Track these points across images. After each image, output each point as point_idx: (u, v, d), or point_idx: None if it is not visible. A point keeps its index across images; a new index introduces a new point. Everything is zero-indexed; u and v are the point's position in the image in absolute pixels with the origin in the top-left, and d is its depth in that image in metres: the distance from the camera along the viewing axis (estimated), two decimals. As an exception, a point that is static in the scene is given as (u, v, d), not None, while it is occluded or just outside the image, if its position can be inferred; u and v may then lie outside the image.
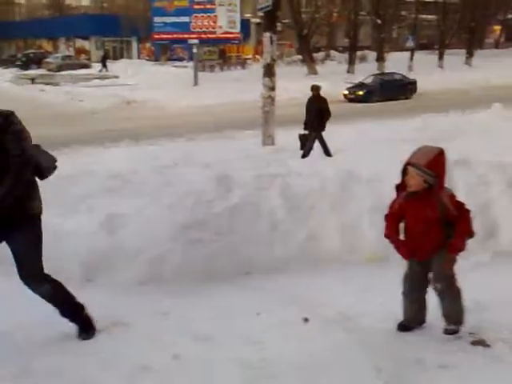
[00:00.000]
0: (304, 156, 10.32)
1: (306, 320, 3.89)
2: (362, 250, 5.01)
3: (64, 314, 3.57)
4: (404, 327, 3.72)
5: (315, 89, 11.04)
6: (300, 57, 39.00)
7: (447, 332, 3.63)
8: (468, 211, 3.56)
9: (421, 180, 3.42)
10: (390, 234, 3.65)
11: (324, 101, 10.88)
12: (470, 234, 3.56)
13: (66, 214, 5.20)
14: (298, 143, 10.78)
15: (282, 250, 5.03)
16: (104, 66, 35.83)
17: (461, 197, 3.70)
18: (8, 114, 3.31)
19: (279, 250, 5.03)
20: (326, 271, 4.80)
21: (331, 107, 10.97)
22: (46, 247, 4.36)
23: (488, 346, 3.48)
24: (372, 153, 7.47)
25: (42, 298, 3.46)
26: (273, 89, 11.70)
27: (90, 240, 4.80)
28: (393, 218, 3.64)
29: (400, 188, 3.61)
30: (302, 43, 35.60)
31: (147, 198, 5.39)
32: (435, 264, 3.57)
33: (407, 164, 3.46)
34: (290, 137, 11.33)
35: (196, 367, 3.27)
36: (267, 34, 11.53)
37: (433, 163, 3.40)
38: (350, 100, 22.90)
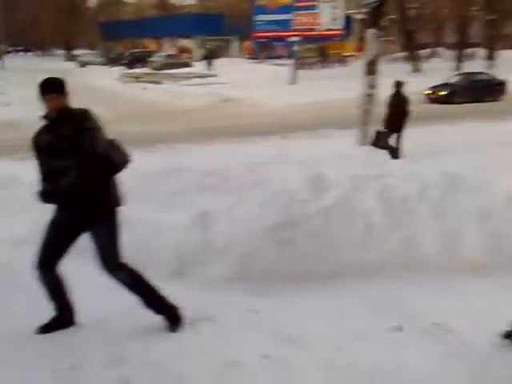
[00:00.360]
0: (394, 158, 9.98)
1: (399, 329, 3.74)
2: (464, 258, 4.74)
3: (148, 304, 3.69)
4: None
5: (398, 85, 10.60)
6: (403, 54, 37.95)
7: None
8: None
9: None
10: None
11: (404, 99, 10.42)
12: None
13: (161, 209, 5.35)
14: (399, 144, 10.45)
15: (377, 254, 4.88)
16: (209, 64, 36.58)
17: None
18: (83, 111, 3.57)
19: (373, 254, 4.89)
20: (422, 278, 4.60)
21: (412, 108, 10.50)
22: (139, 241, 4.52)
23: None
24: (476, 156, 7.09)
25: (124, 285, 3.63)
26: (373, 87, 11.42)
27: (182, 235, 4.90)
28: None
29: None
30: (407, 39, 34.62)
31: (240, 196, 5.43)
32: None
33: None
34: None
35: (283, 368, 3.25)
36: (371, 31, 11.25)
37: None
38: (433, 100, 21.45)
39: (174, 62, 39.00)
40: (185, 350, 3.41)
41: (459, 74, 23.98)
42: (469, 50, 37.46)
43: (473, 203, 5.07)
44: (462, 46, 35.07)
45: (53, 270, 3.66)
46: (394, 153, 10.19)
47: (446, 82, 22.75)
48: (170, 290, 3.88)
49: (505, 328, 3.57)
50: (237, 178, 6.10)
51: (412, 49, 34.15)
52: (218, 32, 45.33)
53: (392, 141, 10.38)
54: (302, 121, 16.51)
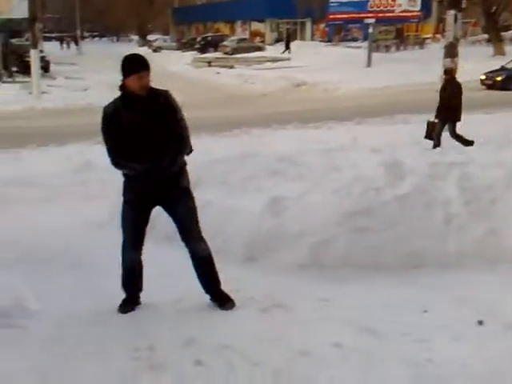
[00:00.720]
0: (435, 146, 9.44)
1: (480, 323, 3.61)
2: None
3: (212, 281, 3.80)
4: None
5: (449, 72, 10.02)
6: (486, 36, 36.38)
7: None
8: None
9: None
10: None
11: (457, 86, 9.79)
12: None
13: (233, 194, 5.39)
14: (478, 129, 10.02)
15: (456, 244, 4.71)
16: (287, 47, 36.31)
17: None
18: (167, 91, 3.69)
19: (452, 244, 4.72)
20: (506, 271, 4.41)
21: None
22: (212, 225, 4.57)
23: None
24: None
25: (202, 258, 3.77)
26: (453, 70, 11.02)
27: (254, 221, 4.92)
28: None
29: None
30: (490, 21, 33.11)
31: (313, 182, 5.39)
32: None
33: None
34: (467, 123, 10.59)
35: (357, 358, 3.21)
36: (451, 12, 10.92)
37: None
38: (489, 86, 19.89)
39: (246, 46, 39.11)
40: (257, 336, 3.44)
41: None
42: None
43: None
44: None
45: (138, 250, 3.78)
46: (462, 140, 9.69)
47: (503, 66, 21.19)
48: (242, 276, 3.92)
49: None
50: (310, 164, 6.04)
51: (495, 31, 32.65)
52: (291, 15, 44.99)
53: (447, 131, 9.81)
54: (377, 105, 16.18)
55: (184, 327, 3.58)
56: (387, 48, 35.56)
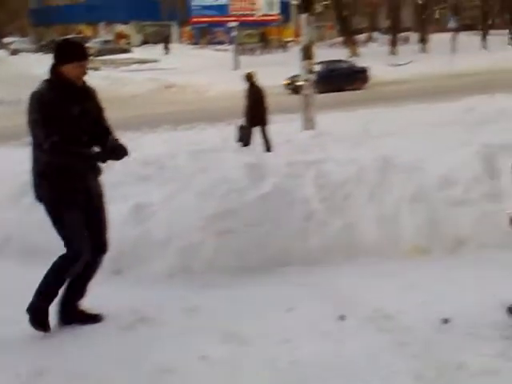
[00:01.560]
0: (267, 150, 9.62)
1: (342, 318, 3.66)
2: (403, 243, 4.72)
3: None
4: None
5: (249, 77, 10.13)
6: (341, 39, 38.25)
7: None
8: None
9: None
10: None
11: (259, 91, 10.01)
12: None
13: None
14: (341, 127, 10.43)
15: (318, 241, 4.78)
16: (166, 48, 35.46)
17: None
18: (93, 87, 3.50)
19: (315, 241, 4.79)
20: (364, 264, 4.53)
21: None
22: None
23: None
24: (411, 139, 7.13)
25: (96, 269, 3.58)
26: (311, 71, 11.39)
27: (119, 231, 4.65)
28: None
29: None
30: (343, 25, 34.84)
31: (180, 185, 5.23)
32: None
33: None
34: (332, 120, 10.99)
35: (223, 369, 3.08)
36: (304, 16, 11.22)
37: None
38: (293, 90, 19.22)
39: (111, 48, 37.93)
40: (118, 359, 3.15)
41: (320, 63, 20.61)
42: (402, 34, 38.13)
43: (407, 185, 5.05)
44: (395, 30, 35.60)
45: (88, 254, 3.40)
46: (267, 145, 9.83)
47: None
48: (106, 291, 3.67)
49: (447, 311, 3.55)
50: (179, 167, 5.89)
51: (348, 34, 34.40)
52: (155, 17, 44.32)
53: (258, 135, 9.95)
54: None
55: (34, 355, 3.23)
56: (252, 51, 36.20)
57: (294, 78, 19.71)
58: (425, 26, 35.46)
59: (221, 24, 32.19)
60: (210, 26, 36.98)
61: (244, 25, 31.46)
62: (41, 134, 3.19)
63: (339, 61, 24.10)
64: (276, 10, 31.32)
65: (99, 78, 24.28)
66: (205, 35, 42.91)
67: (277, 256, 4.66)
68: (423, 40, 34.66)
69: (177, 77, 23.45)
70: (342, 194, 5.01)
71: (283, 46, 39.80)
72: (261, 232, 4.72)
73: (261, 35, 39.87)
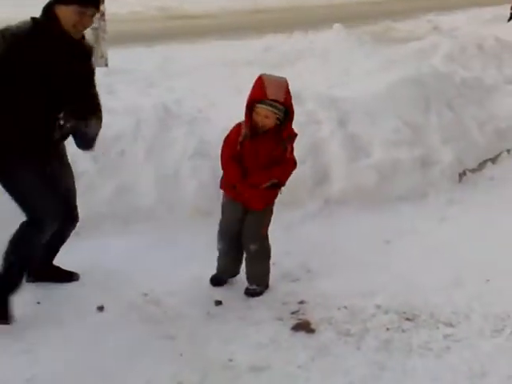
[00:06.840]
0: None
1: (101, 309, 3.02)
2: (183, 205, 4.16)
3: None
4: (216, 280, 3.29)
5: None
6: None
7: (248, 292, 3.20)
8: (295, 164, 3.14)
9: (275, 118, 2.96)
10: (239, 179, 3.05)
11: None
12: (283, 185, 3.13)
13: None
14: (137, 65, 9.44)
15: (87, 207, 4.02)
16: None
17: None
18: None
19: (83, 208, 4.02)
20: (140, 232, 3.90)
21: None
22: None
23: (312, 331, 2.89)
24: (204, 81, 6.55)
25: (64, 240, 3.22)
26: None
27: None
28: (236, 161, 3.05)
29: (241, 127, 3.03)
30: None
31: None
32: (251, 223, 3.15)
33: (259, 101, 2.89)
34: (127, 57, 9.94)
35: None
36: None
37: (288, 98, 2.96)
38: None
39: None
40: None
41: None
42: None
43: (189, 138, 4.48)
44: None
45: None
46: None
47: None
48: None
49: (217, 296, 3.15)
50: None
51: None
52: None
53: None
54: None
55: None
56: None
57: None
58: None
59: None
60: None
61: None
62: None
63: None
64: None
65: None
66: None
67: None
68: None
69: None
70: (115, 152, 4.28)
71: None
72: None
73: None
